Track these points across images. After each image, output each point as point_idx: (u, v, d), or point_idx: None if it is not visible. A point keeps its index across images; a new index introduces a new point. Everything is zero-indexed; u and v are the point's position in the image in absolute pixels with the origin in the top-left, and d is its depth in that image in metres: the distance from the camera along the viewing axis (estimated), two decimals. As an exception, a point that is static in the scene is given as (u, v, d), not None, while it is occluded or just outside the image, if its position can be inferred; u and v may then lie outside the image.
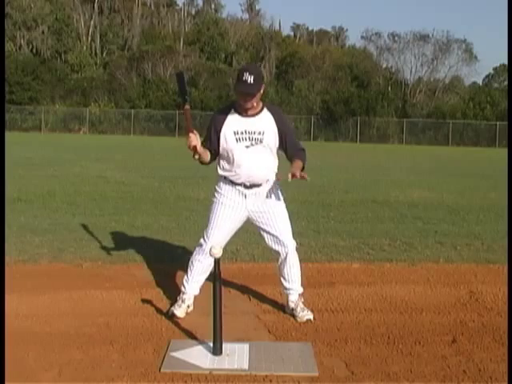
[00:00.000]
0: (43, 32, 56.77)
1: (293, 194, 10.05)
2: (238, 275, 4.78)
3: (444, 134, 46.33)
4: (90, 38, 60.15)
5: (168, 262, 5.25)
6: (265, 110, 3.76)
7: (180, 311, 3.88)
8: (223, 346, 3.27)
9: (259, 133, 3.69)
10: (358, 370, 3.12)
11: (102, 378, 2.97)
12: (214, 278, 3.27)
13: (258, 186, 3.79)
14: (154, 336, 3.56)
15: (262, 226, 3.89)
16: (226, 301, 3.93)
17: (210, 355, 3.25)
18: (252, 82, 3.55)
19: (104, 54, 59.76)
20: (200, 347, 3.37)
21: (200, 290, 3.99)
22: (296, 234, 6.64)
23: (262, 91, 3.66)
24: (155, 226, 7.07)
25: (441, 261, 5.62)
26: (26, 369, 3.07)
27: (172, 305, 3.99)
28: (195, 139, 3.63)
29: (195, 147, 3.63)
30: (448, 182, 13.67)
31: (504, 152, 23.01)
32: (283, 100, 50.11)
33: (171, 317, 3.86)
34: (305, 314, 3.91)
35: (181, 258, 5.34)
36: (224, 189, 3.83)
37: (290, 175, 3.57)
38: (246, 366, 3.14)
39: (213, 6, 71.81)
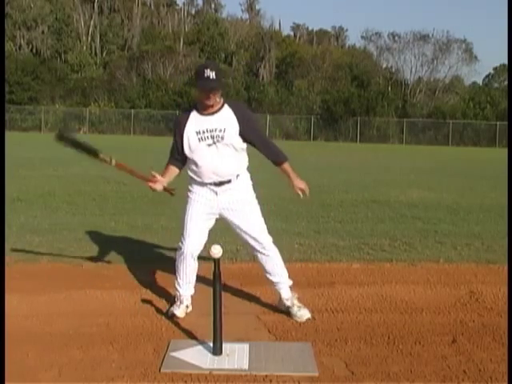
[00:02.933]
0: (43, 32, 56.76)
1: (293, 194, 10.06)
2: (237, 275, 4.78)
3: (444, 134, 46.31)
4: (89, 38, 60.14)
5: (168, 262, 5.23)
6: (225, 106, 3.74)
7: (179, 311, 3.88)
8: (223, 345, 3.27)
9: (220, 130, 3.68)
10: (358, 370, 3.12)
11: (102, 378, 2.97)
12: (214, 277, 3.27)
13: (228, 182, 3.78)
14: (153, 336, 3.56)
15: (235, 224, 3.89)
16: (226, 301, 3.93)
17: (209, 355, 3.25)
18: (214, 77, 3.56)
19: (104, 54, 59.76)
20: (200, 347, 3.37)
21: (195, 288, 4.01)
22: (296, 234, 6.71)
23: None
24: (155, 226, 7.07)
25: (441, 261, 5.62)
26: (26, 369, 3.07)
27: (171, 305, 3.99)
28: (159, 184, 3.84)
29: (165, 189, 3.83)
30: (448, 182, 13.66)
31: (504, 152, 23.00)
32: (283, 100, 50.13)
33: (171, 317, 3.86)
34: (303, 314, 3.89)
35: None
36: (195, 188, 3.86)
37: (299, 192, 3.64)
38: (245, 366, 3.14)
39: (213, 6, 71.82)
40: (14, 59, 48.90)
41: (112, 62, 55.55)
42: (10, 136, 22.29)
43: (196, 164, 3.77)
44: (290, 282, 4.03)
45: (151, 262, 5.27)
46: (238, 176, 3.81)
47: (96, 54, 59.47)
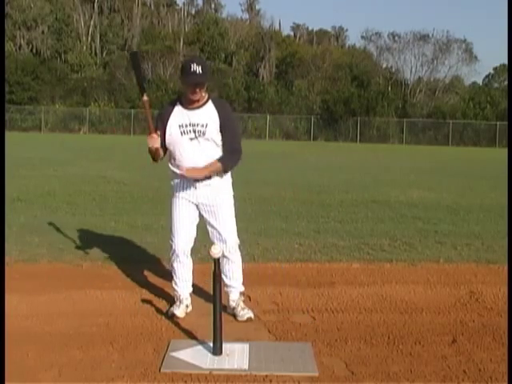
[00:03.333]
0: (43, 32, 56.74)
1: (293, 194, 10.06)
2: (237, 275, 4.77)
3: (444, 134, 46.29)
4: (89, 38, 60.13)
5: (168, 262, 5.23)
6: (209, 102, 3.75)
7: (179, 311, 3.88)
8: (223, 345, 3.27)
9: (202, 125, 3.70)
10: (358, 370, 3.12)
11: (102, 378, 2.97)
12: (214, 278, 3.27)
13: (208, 177, 3.78)
14: (153, 336, 3.56)
15: (207, 220, 3.90)
16: (226, 301, 3.94)
17: (209, 355, 3.25)
18: (201, 71, 3.58)
19: (104, 54, 59.75)
20: (200, 347, 3.37)
21: (194, 288, 4.02)
22: (296, 234, 6.71)
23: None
24: (155, 226, 7.06)
25: (441, 261, 5.62)
26: (26, 369, 3.07)
27: (172, 305, 4.00)
28: (158, 141, 3.70)
29: (157, 149, 3.70)
30: (448, 182, 13.66)
31: (504, 152, 23.00)
32: (283, 100, 50.10)
33: (171, 317, 3.86)
34: (245, 313, 3.91)
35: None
36: (177, 183, 3.87)
37: (184, 169, 3.64)
38: (245, 366, 3.14)
39: (213, 6, 71.81)
40: (14, 59, 48.87)
41: (112, 62, 55.53)
42: (9, 136, 22.31)
43: (177, 157, 3.79)
44: (242, 289, 4.05)
45: (151, 262, 5.28)
46: (217, 173, 3.82)
47: (96, 54, 59.46)
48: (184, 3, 70.54)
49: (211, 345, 3.29)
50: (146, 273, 4.95)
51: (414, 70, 55.23)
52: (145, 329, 3.68)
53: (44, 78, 49.89)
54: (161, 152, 3.79)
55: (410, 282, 4.78)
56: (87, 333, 3.58)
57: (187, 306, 3.96)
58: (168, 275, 4.79)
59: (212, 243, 3.70)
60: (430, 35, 54.92)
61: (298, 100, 50.53)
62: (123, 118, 47.87)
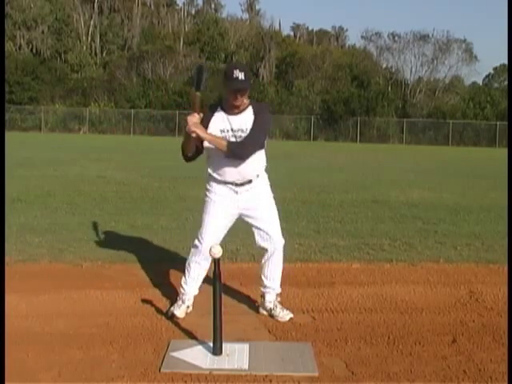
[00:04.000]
0: (43, 32, 56.74)
1: (293, 194, 10.06)
2: (238, 275, 4.78)
3: (444, 134, 46.29)
4: (89, 38, 60.13)
5: (168, 262, 5.24)
6: (250, 107, 3.76)
7: (180, 311, 3.88)
8: (223, 345, 3.27)
9: (242, 130, 3.71)
10: (357, 370, 3.12)
11: (102, 378, 2.97)
12: (214, 278, 3.27)
13: (249, 182, 3.81)
14: (153, 336, 3.56)
15: (253, 223, 3.90)
16: (226, 301, 3.94)
17: (209, 355, 3.25)
18: (243, 78, 3.58)
19: (104, 54, 59.75)
20: (200, 347, 3.37)
21: (199, 289, 4.00)
22: (296, 234, 6.70)
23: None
24: (155, 226, 7.07)
25: (441, 261, 5.62)
26: (26, 369, 3.07)
27: (172, 305, 3.99)
28: (198, 119, 3.62)
29: (196, 126, 3.59)
30: (448, 182, 13.67)
31: (504, 152, 23.00)
32: (283, 100, 50.09)
33: (171, 317, 3.86)
34: (286, 314, 3.92)
35: (181, 258, 5.34)
36: (215, 187, 3.84)
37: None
38: (245, 366, 3.14)
39: (213, 6, 71.81)
40: (14, 59, 48.87)
41: (112, 62, 55.53)
42: (9, 136, 22.31)
43: (219, 162, 3.75)
44: (279, 290, 4.04)
45: (151, 262, 5.27)
46: (258, 176, 3.84)
47: (96, 54, 59.46)
48: (184, 3, 70.61)
49: (211, 345, 3.29)
50: (146, 273, 4.95)
51: (414, 70, 55.28)
52: (145, 329, 3.68)
53: (44, 78, 49.90)
54: (193, 146, 3.72)
55: (410, 282, 4.78)
56: (87, 333, 3.58)
57: (188, 307, 3.96)
58: (168, 275, 4.80)
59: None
60: (430, 35, 54.98)
61: (298, 100, 50.53)
62: (123, 118, 47.87)
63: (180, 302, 3.95)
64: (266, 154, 3.92)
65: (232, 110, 3.71)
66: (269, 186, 3.95)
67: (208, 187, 3.89)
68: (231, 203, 3.82)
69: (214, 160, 3.79)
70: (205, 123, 3.72)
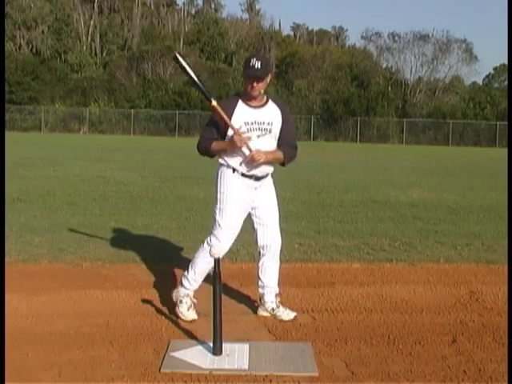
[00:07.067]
0: (43, 32, 56.76)
1: (293, 194, 10.06)
2: (237, 275, 4.78)
3: (444, 134, 46.31)
4: (89, 38, 60.15)
5: (168, 262, 5.24)
6: (270, 101, 3.81)
7: (193, 312, 3.86)
8: (223, 345, 3.27)
9: (268, 123, 3.74)
10: (358, 370, 3.12)
11: (102, 378, 2.97)
12: (214, 277, 3.27)
13: (266, 176, 3.84)
14: (153, 336, 3.56)
15: (259, 221, 3.89)
16: (226, 301, 3.94)
17: (209, 355, 3.25)
18: (259, 66, 3.62)
19: (104, 54, 59.76)
20: (200, 347, 3.37)
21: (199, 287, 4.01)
22: (296, 234, 6.70)
23: (268, 80, 3.70)
24: (155, 226, 7.07)
25: (441, 261, 5.62)
26: (26, 369, 3.07)
27: (177, 307, 3.93)
28: (241, 133, 3.64)
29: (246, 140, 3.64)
30: (448, 182, 13.66)
31: (504, 152, 23.00)
32: (283, 100, 50.04)
33: (185, 320, 3.81)
34: (289, 312, 3.92)
35: (181, 258, 5.34)
36: (235, 182, 3.76)
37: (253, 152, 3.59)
38: (245, 366, 3.13)
39: (213, 6, 71.83)
40: (14, 59, 48.88)
41: (112, 62, 55.53)
42: (9, 136, 22.31)
43: (241, 153, 3.72)
44: (278, 290, 4.04)
45: (151, 262, 5.27)
46: (272, 171, 3.89)
47: (96, 54, 59.48)
48: (184, 3, 70.65)
49: (211, 345, 3.29)
50: (146, 273, 4.95)
51: (414, 69, 55.27)
52: (145, 329, 3.68)
53: (44, 78, 49.90)
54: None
55: (410, 282, 4.78)
56: (87, 333, 3.58)
57: (191, 305, 3.92)
58: (168, 276, 4.80)
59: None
60: (430, 35, 54.99)
61: (298, 100, 50.53)
62: (123, 118, 47.87)
63: (189, 302, 3.88)
64: None
65: (252, 101, 3.73)
66: (273, 184, 3.99)
67: (225, 183, 3.78)
68: (249, 200, 3.80)
69: (238, 154, 3.73)
70: (228, 115, 3.69)
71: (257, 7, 71.76)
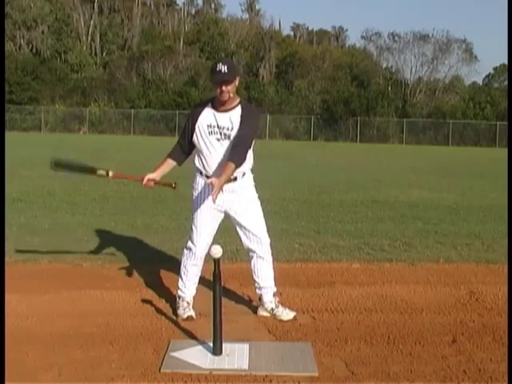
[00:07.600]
0: (43, 32, 56.73)
1: (293, 194, 10.06)
2: (237, 275, 4.78)
3: (444, 134, 46.29)
4: (89, 38, 60.12)
5: (168, 262, 5.24)
6: (239, 107, 3.80)
7: (190, 313, 3.89)
8: (223, 345, 3.27)
9: (227, 128, 3.75)
10: (358, 370, 3.12)
11: (102, 378, 2.97)
12: (214, 278, 3.27)
13: (234, 180, 3.78)
14: (153, 336, 3.56)
15: (238, 223, 3.91)
16: (226, 301, 3.94)
17: (209, 355, 3.25)
18: (226, 70, 3.65)
19: (104, 54, 59.74)
20: (200, 347, 3.37)
21: (196, 289, 4.02)
22: (296, 234, 6.70)
23: (236, 83, 3.73)
24: (155, 226, 7.07)
25: (441, 261, 5.62)
26: (26, 369, 3.07)
27: (175, 310, 3.95)
28: (149, 182, 3.88)
29: (160, 183, 3.89)
30: (448, 182, 13.66)
31: (504, 152, 23.00)
32: (283, 100, 50.10)
33: (186, 320, 3.84)
34: (289, 312, 3.93)
35: (181, 258, 5.34)
36: (201, 185, 3.87)
37: (209, 181, 3.58)
38: (245, 366, 3.14)
39: (213, 6, 71.76)
40: (14, 59, 48.86)
41: (112, 62, 55.51)
42: (9, 136, 22.31)
43: (204, 155, 3.81)
44: (275, 289, 4.04)
45: (151, 262, 5.27)
46: (243, 175, 3.84)
47: (96, 54, 59.45)
48: (184, 3, 70.54)
49: (211, 345, 3.29)
50: (146, 273, 4.95)
51: (413, 69, 55.26)
52: (145, 329, 3.68)
53: (44, 78, 49.88)
54: (168, 165, 4.00)
55: (410, 282, 4.78)
56: (87, 333, 3.58)
57: (191, 308, 3.95)
58: (168, 276, 4.80)
59: (246, 246, 3.79)
60: (430, 35, 54.99)
61: (298, 100, 50.54)
62: (123, 118, 47.87)
63: (185, 304, 3.94)
64: (253, 155, 3.91)
65: (221, 106, 3.77)
66: (253, 187, 3.95)
67: (194, 185, 3.93)
68: (219, 202, 3.79)
69: (201, 153, 3.83)
70: (194, 118, 3.81)
71: (257, 7, 71.72)
